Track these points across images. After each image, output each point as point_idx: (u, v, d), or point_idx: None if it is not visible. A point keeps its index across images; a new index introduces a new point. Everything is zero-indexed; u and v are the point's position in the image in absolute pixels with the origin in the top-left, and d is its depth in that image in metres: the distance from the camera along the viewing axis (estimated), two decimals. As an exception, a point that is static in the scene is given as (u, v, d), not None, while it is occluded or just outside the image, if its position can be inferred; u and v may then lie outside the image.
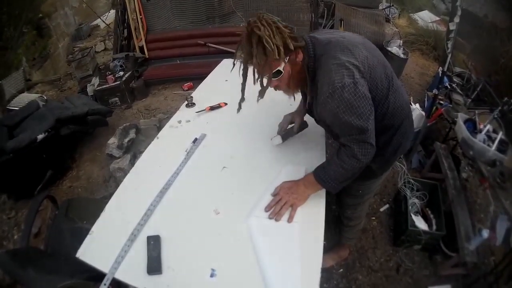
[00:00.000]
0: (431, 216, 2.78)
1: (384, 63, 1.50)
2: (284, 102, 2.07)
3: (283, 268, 1.30)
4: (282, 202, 1.52)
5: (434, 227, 2.69)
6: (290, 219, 1.49)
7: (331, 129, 1.50)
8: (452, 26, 2.66)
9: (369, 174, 1.73)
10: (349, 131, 1.38)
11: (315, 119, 1.66)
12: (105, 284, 1.23)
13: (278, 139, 1.88)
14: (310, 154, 1.83)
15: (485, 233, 2.38)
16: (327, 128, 1.64)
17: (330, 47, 1.39)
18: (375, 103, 1.39)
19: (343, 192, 1.98)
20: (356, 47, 1.39)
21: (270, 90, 1.46)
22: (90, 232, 1.43)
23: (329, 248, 2.60)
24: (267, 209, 1.53)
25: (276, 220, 1.48)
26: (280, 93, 1.51)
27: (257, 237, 1.41)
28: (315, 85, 1.41)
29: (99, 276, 1.27)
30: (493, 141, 2.69)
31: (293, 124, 1.95)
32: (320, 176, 1.51)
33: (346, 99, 1.30)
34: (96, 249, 1.36)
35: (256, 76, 1.38)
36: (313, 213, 1.52)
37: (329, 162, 1.52)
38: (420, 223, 2.70)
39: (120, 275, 1.26)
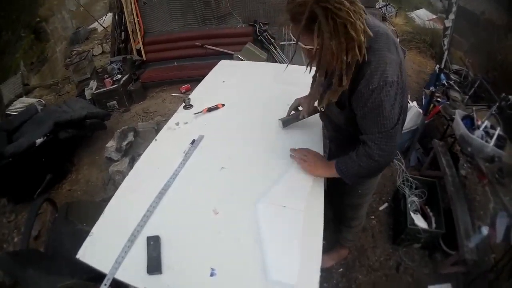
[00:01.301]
0: (431, 214, 2.78)
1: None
2: (283, 101, 2.09)
3: (283, 253, 1.34)
4: (300, 154, 1.71)
5: (434, 225, 2.69)
6: (292, 157, 1.75)
7: (357, 123, 1.45)
8: (448, 23, 2.67)
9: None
10: (378, 129, 1.34)
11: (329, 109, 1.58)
12: (105, 284, 1.23)
13: (280, 123, 2.00)
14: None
15: (485, 230, 2.39)
16: (348, 122, 1.53)
17: (381, 35, 1.29)
18: None
19: (344, 193, 2.00)
20: (398, 45, 1.35)
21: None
22: (90, 233, 1.43)
23: (328, 248, 2.60)
24: (292, 149, 1.77)
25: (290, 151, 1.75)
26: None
27: (262, 222, 1.45)
28: (361, 71, 1.28)
29: (99, 276, 1.27)
30: (491, 137, 2.69)
31: (298, 110, 2.01)
32: (340, 168, 1.54)
33: (391, 96, 1.26)
34: (96, 250, 1.36)
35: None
36: (313, 213, 1.51)
37: (350, 157, 1.50)
38: (420, 221, 2.70)
39: (120, 275, 1.26)
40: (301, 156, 1.70)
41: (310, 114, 1.96)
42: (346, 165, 1.52)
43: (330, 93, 1.36)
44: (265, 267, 1.28)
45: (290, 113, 2.02)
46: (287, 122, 1.99)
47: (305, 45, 1.27)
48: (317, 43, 1.17)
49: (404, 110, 1.49)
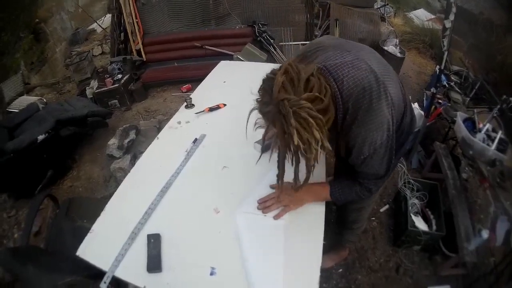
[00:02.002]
0: (431, 216, 2.78)
1: (397, 79, 1.38)
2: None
3: (264, 265, 1.31)
4: (276, 199, 1.53)
5: (434, 227, 2.69)
6: (276, 217, 1.49)
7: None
8: (448, 24, 2.65)
9: None
10: (373, 176, 1.39)
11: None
12: (105, 282, 1.22)
13: (258, 147, 1.79)
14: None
15: (485, 234, 2.39)
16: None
17: (363, 95, 1.19)
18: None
19: None
20: (388, 76, 1.27)
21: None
22: (90, 230, 1.43)
23: (328, 248, 2.60)
24: (260, 201, 1.55)
25: (263, 212, 1.51)
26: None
27: (242, 232, 1.43)
28: (351, 139, 1.26)
29: (99, 274, 1.27)
30: (492, 141, 2.69)
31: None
32: (336, 197, 1.53)
33: (382, 155, 1.28)
34: (96, 248, 1.37)
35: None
36: (313, 213, 1.52)
37: (350, 188, 1.50)
38: (420, 224, 2.70)
39: (120, 273, 1.26)
40: (276, 204, 1.54)
41: None
42: (343, 195, 1.52)
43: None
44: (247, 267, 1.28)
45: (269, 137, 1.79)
46: (268, 147, 1.64)
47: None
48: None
49: (410, 123, 1.52)
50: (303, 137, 1.03)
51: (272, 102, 1.05)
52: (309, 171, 1.16)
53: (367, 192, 1.46)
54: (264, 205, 1.52)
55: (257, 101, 1.17)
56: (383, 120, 1.20)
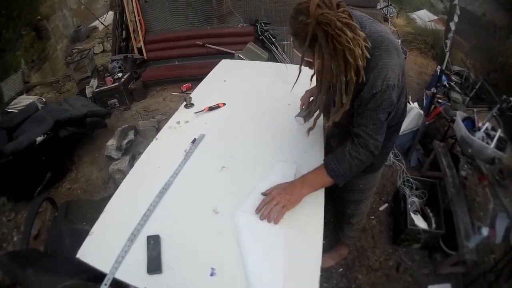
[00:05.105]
0: (431, 214, 2.79)
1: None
2: (283, 100, 2.09)
3: (264, 265, 1.30)
4: (273, 203, 1.47)
5: (434, 225, 2.70)
6: (276, 221, 1.44)
7: (354, 116, 1.47)
8: (453, 26, 2.66)
9: (369, 168, 1.74)
10: (373, 121, 1.39)
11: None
12: (105, 284, 1.22)
13: (300, 120, 1.90)
14: (309, 154, 1.83)
15: (485, 231, 2.39)
16: (349, 119, 1.51)
17: (382, 41, 1.33)
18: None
19: (344, 188, 1.99)
20: (399, 48, 1.38)
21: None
22: (90, 233, 1.42)
23: (328, 247, 2.61)
24: (257, 211, 1.49)
25: (268, 221, 1.46)
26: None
27: (242, 233, 1.42)
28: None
29: (99, 276, 1.26)
30: (491, 139, 2.69)
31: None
32: (334, 170, 1.50)
33: (390, 98, 1.32)
34: (96, 250, 1.36)
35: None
36: (312, 212, 1.51)
37: (343, 156, 1.48)
38: (420, 222, 2.71)
39: (120, 275, 1.26)
40: (274, 208, 1.47)
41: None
42: (339, 166, 1.49)
43: (333, 114, 1.41)
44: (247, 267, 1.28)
45: (303, 106, 1.97)
46: (308, 117, 1.90)
47: (307, 58, 1.32)
48: (318, 64, 1.26)
49: (403, 107, 1.57)
50: (349, 35, 1.13)
51: (311, 17, 1.17)
52: (351, 76, 1.22)
53: (364, 149, 1.44)
54: (263, 214, 1.46)
55: (290, 23, 1.29)
56: (397, 66, 1.30)
